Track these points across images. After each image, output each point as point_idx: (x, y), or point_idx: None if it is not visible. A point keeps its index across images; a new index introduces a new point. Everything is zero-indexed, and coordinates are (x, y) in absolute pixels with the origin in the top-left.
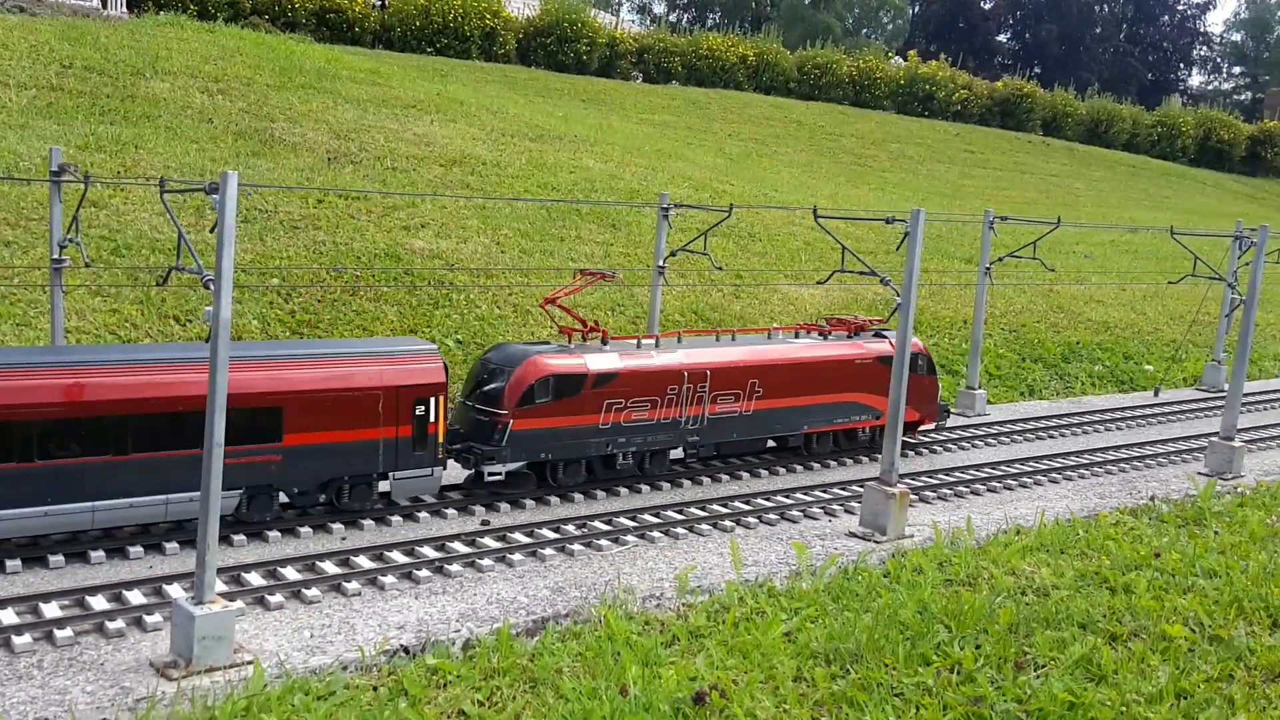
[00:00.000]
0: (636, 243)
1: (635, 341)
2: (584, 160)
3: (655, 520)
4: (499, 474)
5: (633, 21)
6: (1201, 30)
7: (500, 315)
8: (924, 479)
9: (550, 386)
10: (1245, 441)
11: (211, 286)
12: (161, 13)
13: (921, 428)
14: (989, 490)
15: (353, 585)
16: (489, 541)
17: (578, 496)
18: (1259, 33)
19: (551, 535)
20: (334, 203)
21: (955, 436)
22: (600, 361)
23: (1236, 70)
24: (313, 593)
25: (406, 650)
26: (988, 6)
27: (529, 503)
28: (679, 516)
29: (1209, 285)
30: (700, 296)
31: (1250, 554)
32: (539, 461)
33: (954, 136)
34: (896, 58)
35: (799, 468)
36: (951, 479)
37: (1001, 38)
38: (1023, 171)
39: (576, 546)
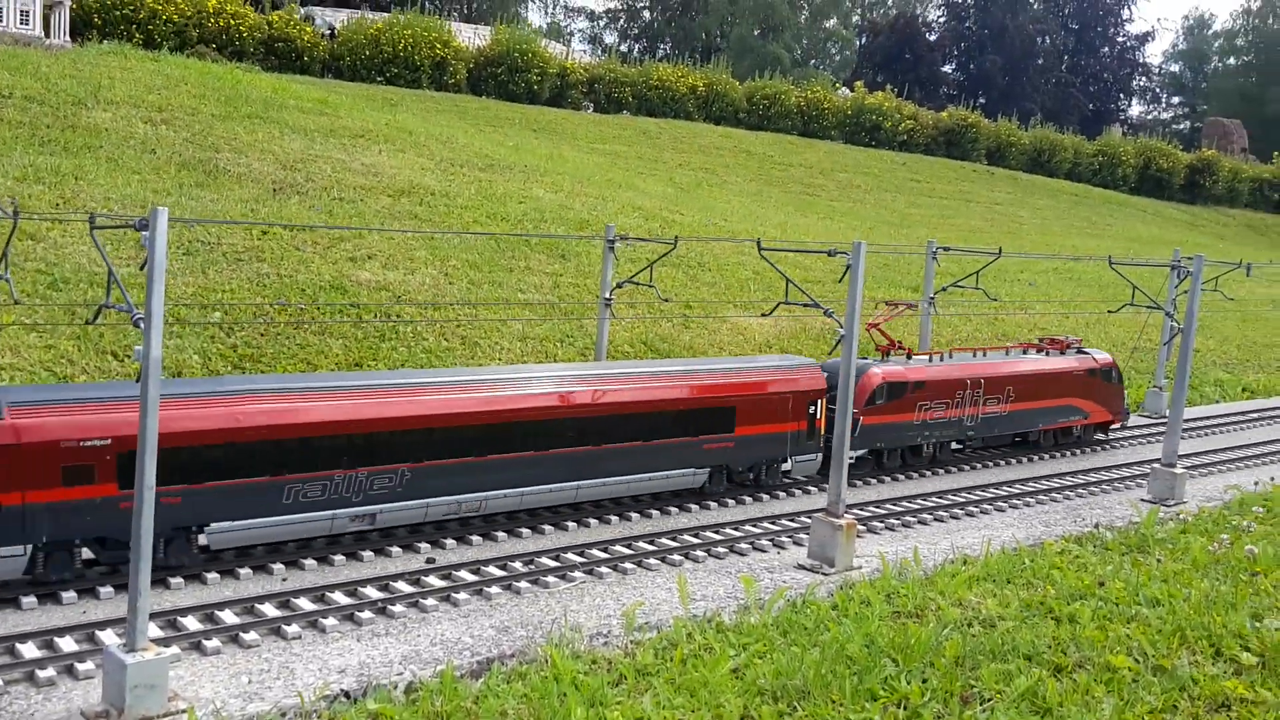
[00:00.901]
0: (586, 273)
1: (927, 357)
2: (534, 190)
3: (603, 555)
4: (852, 458)
5: (584, 52)
6: (1141, 61)
7: (448, 348)
8: (871, 509)
9: (886, 391)
10: (1187, 467)
11: (142, 325)
12: (105, 42)
13: (1112, 426)
14: (936, 520)
15: (293, 628)
16: (434, 580)
17: (525, 531)
18: (1197, 64)
19: (498, 573)
20: (279, 234)
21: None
22: (914, 373)
23: (1175, 100)
24: (251, 636)
25: (348, 695)
26: (933, 38)
27: (475, 539)
28: (627, 551)
29: (1149, 313)
30: (650, 327)
31: (1192, 582)
32: (876, 449)
33: (900, 166)
34: (844, 88)
35: (748, 499)
36: (899, 509)
37: (947, 69)
38: (968, 200)
39: (523, 584)
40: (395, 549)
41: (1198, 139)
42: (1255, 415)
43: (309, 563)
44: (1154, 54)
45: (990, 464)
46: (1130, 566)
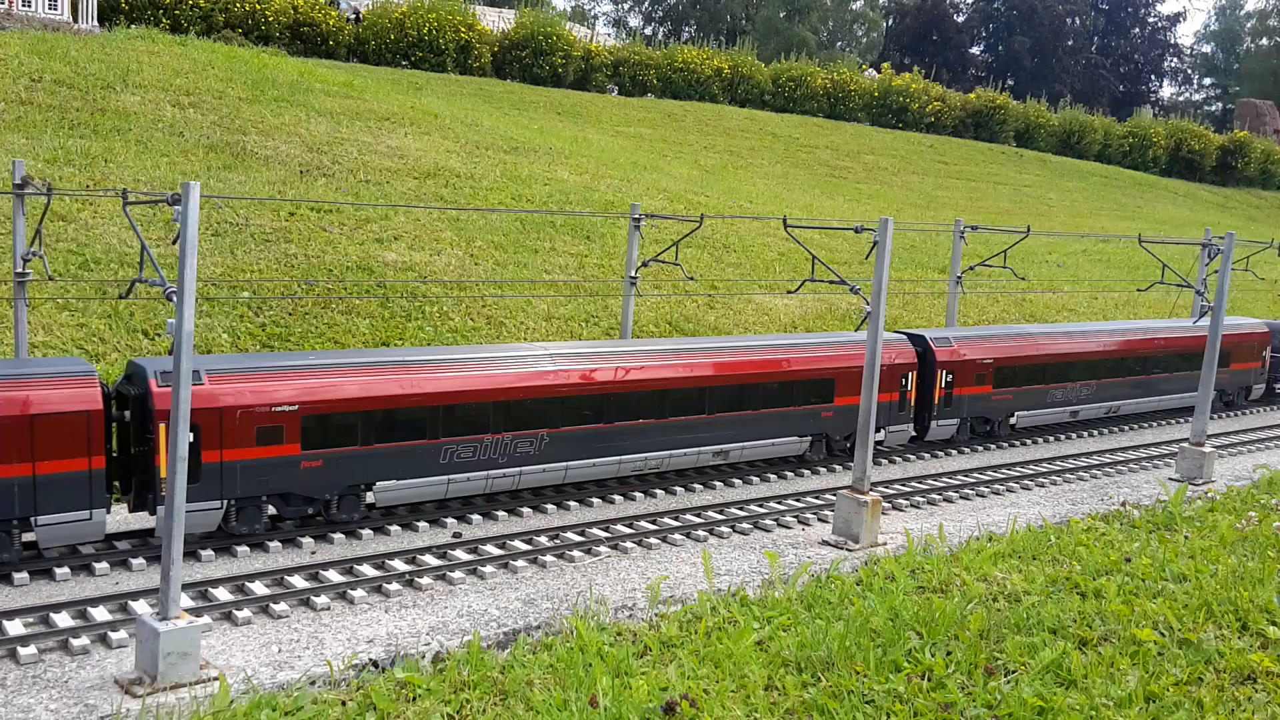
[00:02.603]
0: (611, 254)
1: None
2: (559, 172)
3: (628, 531)
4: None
5: (608, 34)
6: (1172, 42)
7: (474, 327)
8: (897, 486)
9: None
10: (1216, 447)
11: (174, 299)
12: (133, 26)
13: None
14: (961, 498)
15: (322, 599)
16: (460, 554)
17: (550, 507)
18: (1229, 44)
19: (523, 547)
20: (306, 215)
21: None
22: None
23: (1207, 81)
24: (281, 607)
25: (375, 664)
26: (961, 20)
27: (501, 514)
28: (652, 527)
29: (1179, 293)
30: (675, 307)
31: (1220, 558)
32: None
33: (928, 148)
34: (870, 70)
35: (772, 477)
36: (924, 487)
37: (975, 50)
38: (996, 182)
39: (549, 558)
40: (422, 524)
41: (1230, 120)
42: (1226, 404)
43: (338, 537)
44: (1185, 35)
45: (1018, 443)
46: (1157, 543)
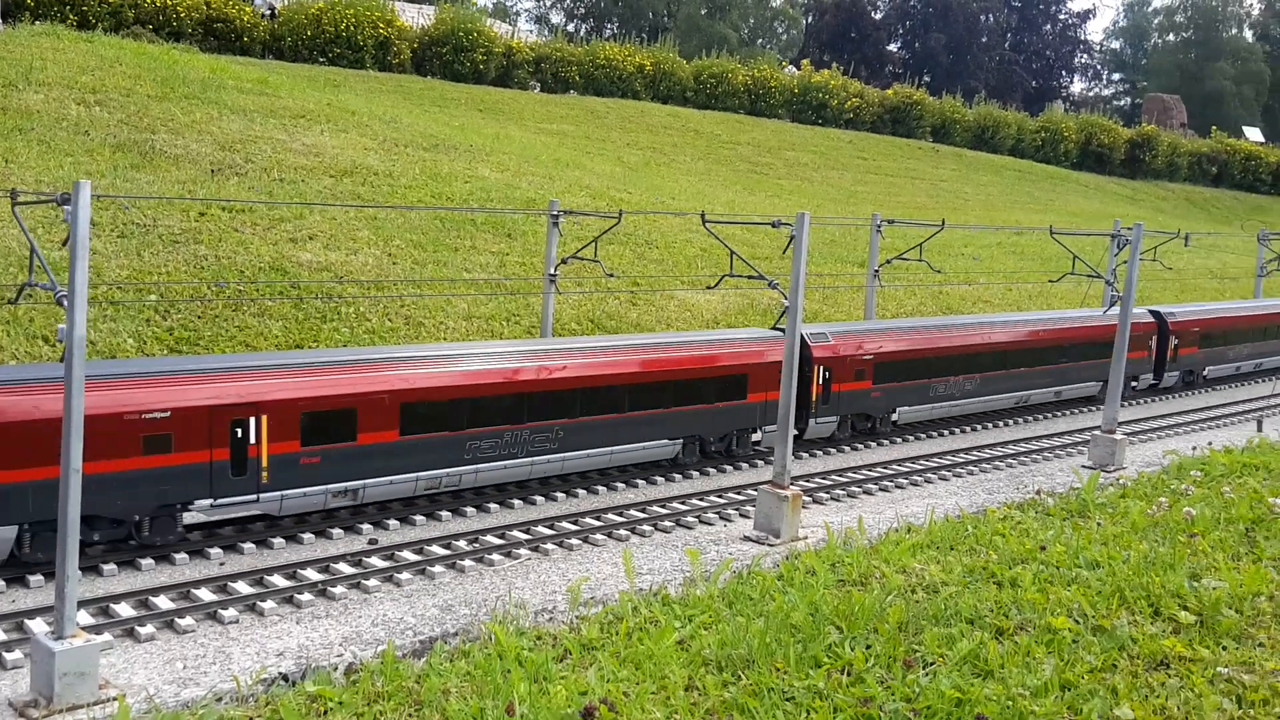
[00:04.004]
0: (533, 252)
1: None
2: (480, 170)
3: (549, 532)
4: None
5: (530, 31)
6: (1082, 39)
7: (392, 328)
8: (818, 480)
9: None
10: (1126, 434)
11: (65, 303)
12: (37, 22)
13: None
14: (881, 490)
15: (230, 612)
16: (376, 561)
17: (470, 510)
18: (1137, 40)
19: (441, 552)
20: (217, 215)
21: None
22: None
23: (1116, 77)
24: (186, 622)
25: (285, 678)
26: (878, 17)
27: (419, 519)
28: (573, 527)
29: (1089, 283)
30: (597, 304)
31: (1131, 544)
32: None
33: (847, 144)
34: (790, 67)
35: (695, 474)
36: (845, 479)
37: (892, 47)
38: (914, 177)
39: (467, 562)
40: (336, 530)
41: (1138, 115)
42: (1050, 403)
43: (248, 546)
44: (1095, 31)
45: (935, 434)
46: (1071, 531)
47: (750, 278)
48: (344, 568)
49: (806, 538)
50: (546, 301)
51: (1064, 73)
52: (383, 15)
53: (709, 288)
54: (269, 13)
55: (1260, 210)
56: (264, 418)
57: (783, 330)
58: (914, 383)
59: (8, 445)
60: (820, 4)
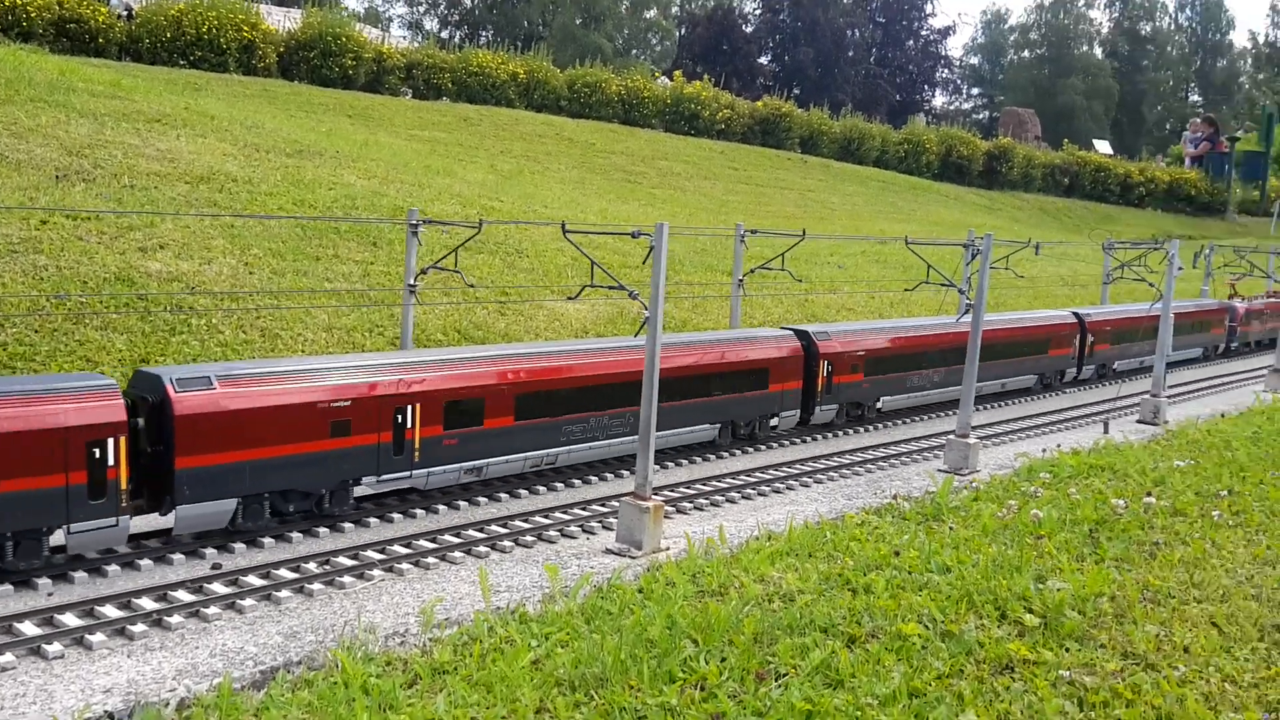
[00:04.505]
0: (398, 261)
1: None
2: (345, 177)
3: (405, 551)
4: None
5: (403, 37)
6: (943, 54)
7: (246, 340)
8: (681, 489)
9: None
10: (980, 438)
11: None
12: None
13: None
14: (744, 498)
15: (54, 647)
16: (218, 587)
17: (323, 531)
18: (994, 56)
19: (289, 575)
20: (60, 224)
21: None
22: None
23: (975, 91)
24: (6, 659)
25: (111, 716)
26: (749, 30)
27: (268, 541)
28: (431, 545)
29: (945, 291)
30: (464, 314)
31: (981, 548)
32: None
33: (719, 154)
34: (663, 78)
35: (560, 486)
36: (708, 488)
37: (763, 60)
38: (783, 187)
39: (316, 586)
40: (178, 555)
41: (995, 128)
42: (996, 394)
43: (79, 575)
44: (955, 47)
45: (798, 440)
46: (924, 536)
47: (611, 288)
48: (183, 595)
49: (669, 549)
50: (406, 313)
51: (926, 87)
52: (247, 18)
53: (570, 298)
54: (126, 14)
55: (1109, 219)
56: (417, 406)
57: (792, 330)
58: (894, 375)
59: (232, 431)
60: (693, 16)
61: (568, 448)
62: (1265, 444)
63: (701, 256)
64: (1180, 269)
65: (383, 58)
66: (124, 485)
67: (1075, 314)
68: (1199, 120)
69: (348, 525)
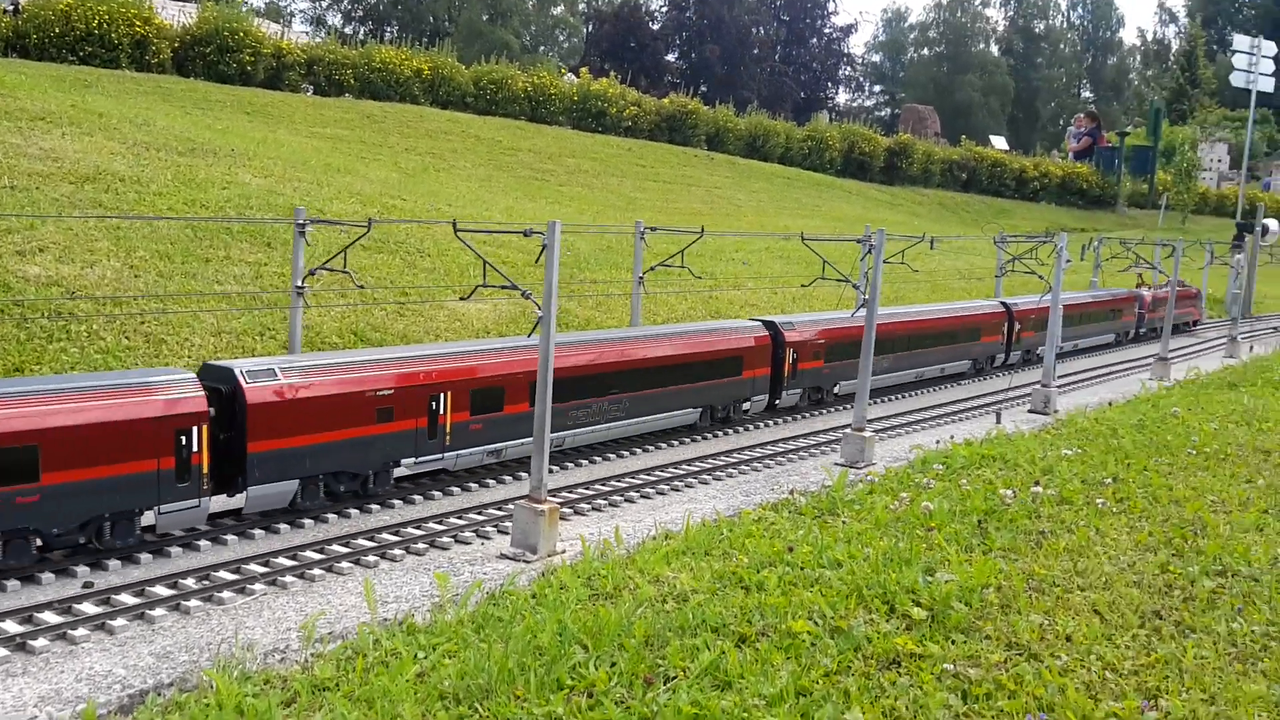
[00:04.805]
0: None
1: None
2: (240, 175)
3: (290, 563)
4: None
5: (305, 33)
6: (846, 52)
7: (130, 346)
8: (580, 490)
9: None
10: (876, 431)
11: None
12: None
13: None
14: (642, 497)
15: None
16: (87, 607)
17: (204, 544)
18: (895, 54)
19: (165, 593)
20: None
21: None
22: None
23: (877, 89)
24: None
25: None
26: (656, 28)
27: (144, 557)
28: (318, 556)
29: (844, 286)
30: (361, 316)
31: (873, 541)
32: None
33: (626, 151)
34: (570, 75)
35: (456, 490)
36: (607, 488)
37: (670, 57)
38: (690, 184)
39: (194, 602)
40: (47, 575)
41: (896, 124)
42: (937, 378)
43: None
44: (857, 45)
45: (697, 438)
46: (819, 530)
47: (503, 287)
48: (49, 616)
49: (565, 551)
50: (294, 316)
51: (830, 84)
52: (139, 12)
53: (462, 298)
54: (12, 8)
55: (1005, 214)
56: (449, 394)
57: (761, 321)
58: (849, 362)
59: (294, 418)
60: (600, 13)
61: (573, 431)
62: (1149, 431)
63: (608, 254)
64: (1069, 261)
65: (282, 53)
66: (205, 469)
67: (1003, 303)
68: (1082, 115)
69: (230, 538)
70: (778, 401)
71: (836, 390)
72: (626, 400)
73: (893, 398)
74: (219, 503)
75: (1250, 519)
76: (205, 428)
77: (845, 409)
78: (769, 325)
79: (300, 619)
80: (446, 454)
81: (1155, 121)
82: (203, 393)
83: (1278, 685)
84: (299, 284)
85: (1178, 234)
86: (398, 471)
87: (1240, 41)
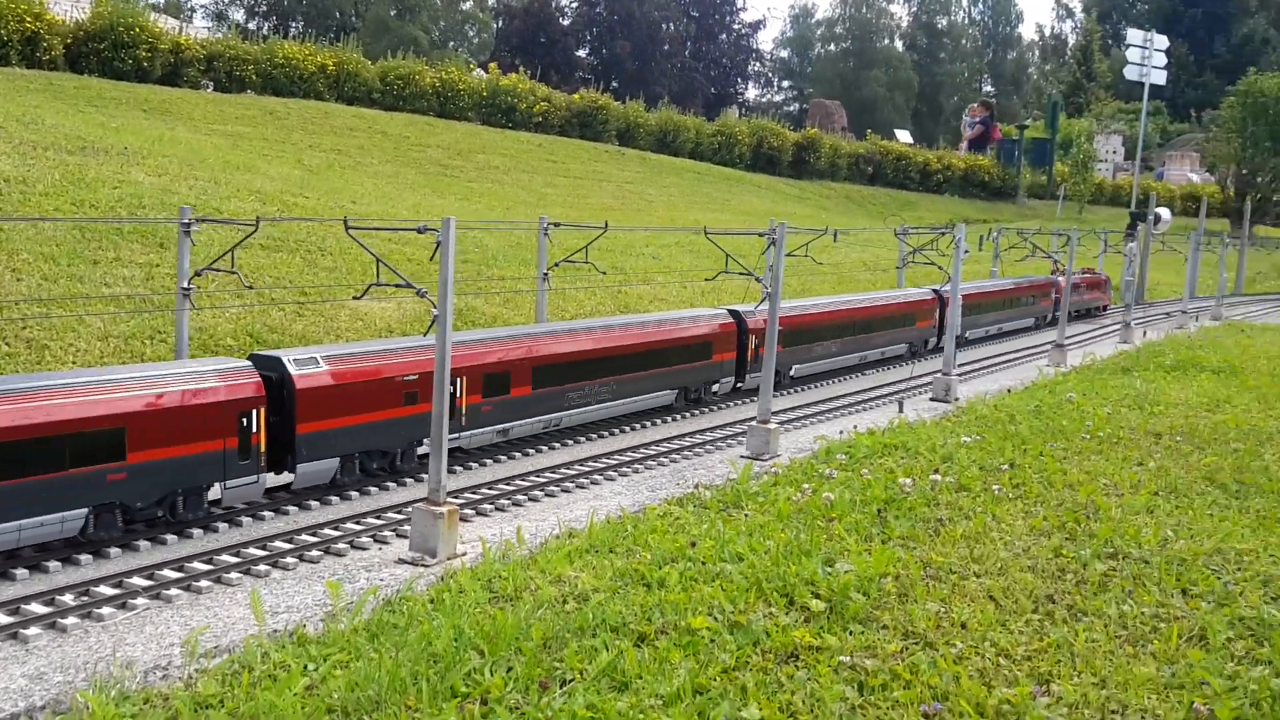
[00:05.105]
0: (195, 262)
1: None
2: (134, 174)
3: (175, 575)
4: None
5: (207, 28)
6: (754, 48)
7: (10, 353)
8: (484, 491)
9: None
10: (781, 423)
11: None
12: None
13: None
14: (547, 495)
15: None
16: None
17: (84, 558)
18: (802, 50)
19: (40, 610)
20: None
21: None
22: None
23: (785, 84)
24: None
25: None
26: (566, 23)
27: (19, 573)
28: (205, 567)
29: (750, 279)
30: (258, 317)
31: (775, 533)
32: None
33: (537, 147)
34: (479, 70)
35: (354, 494)
36: (511, 488)
37: (581, 53)
38: (601, 179)
39: (71, 619)
40: None
41: (804, 119)
42: (841, 369)
43: None
44: (766, 41)
45: (604, 434)
46: (722, 524)
47: (398, 286)
48: None
49: (465, 554)
50: (180, 318)
51: (739, 80)
52: (30, 8)
53: (356, 298)
54: None
55: (910, 206)
56: (463, 379)
57: (727, 309)
58: (803, 347)
59: (336, 402)
60: (510, 9)
61: (570, 411)
62: (1045, 416)
63: (517, 250)
64: (967, 251)
65: (181, 49)
66: (263, 448)
67: (934, 290)
68: (976, 105)
69: (114, 550)
70: (741, 385)
71: (792, 373)
72: (614, 383)
73: (800, 389)
74: (270, 480)
75: (1141, 501)
76: (263, 411)
77: (798, 390)
78: (734, 314)
79: (183, 633)
80: (463, 434)
81: (1053, 114)
82: (259, 379)
83: (1167, 667)
84: (185, 286)
85: (1075, 224)
86: (420, 450)
87: (1134, 36)
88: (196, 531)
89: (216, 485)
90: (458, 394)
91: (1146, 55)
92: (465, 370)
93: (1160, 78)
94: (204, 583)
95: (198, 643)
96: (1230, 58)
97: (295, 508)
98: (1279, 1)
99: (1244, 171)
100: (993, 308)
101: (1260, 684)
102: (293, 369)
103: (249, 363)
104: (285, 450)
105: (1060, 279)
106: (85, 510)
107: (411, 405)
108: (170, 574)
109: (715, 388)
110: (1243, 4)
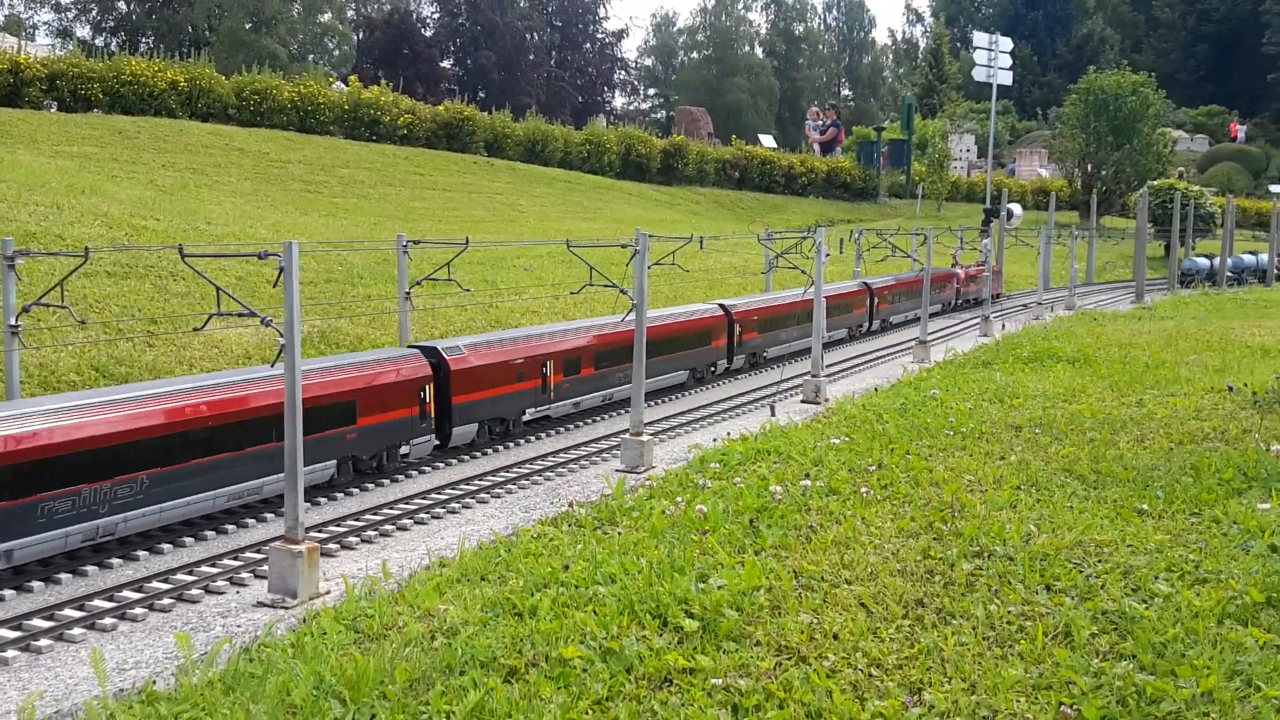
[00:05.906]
0: (28, 296)
1: None
2: None
3: (11, 634)
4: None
5: (50, 45)
6: (619, 56)
7: None
8: (349, 523)
9: None
10: (654, 434)
11: None
12: None
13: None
14: (417, 523)
15: None
16: None
17: None
18: (666, 58)
19: None
20: None
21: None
22: None
23: (651, 92)
24: None
25: None
26: (430, 34)
27: None
28: (45, 624)
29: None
30: (105, 350)
31: (648, 550)
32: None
33: (403, 160)
34: (339, 83)
35: (210, 534)
36: (378, 517)
37: (446, 64)
38: (470, 191)
39: None
40: None
41: (671, 126)
42: (719, 375)
43: None
44: (630, 49)
45: (473, 455)
46: (596, 544)
47: (240, 315)
48: None
49: (328, 593)
50: (9, 359)
51: (606, 88)
52: None
53: (196, 329)
54: None
55: (778, 209)
56: (551, 361)
57: (718, 304)
58: (773, 333)
59: (476, 380)
60: (370, 21)
61: (620, 387)
62: (911, 414)
63: (383, 267)
64: (828, 254)
65: (20, 68)
66: (433, 415)
67: (864, 283)
68: (815, 108)
69: None
70: (730, 366)
71: (768, 354)
72: (650, 365)
73: (671, 398)
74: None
75: (1004, 497)
76: (431, 387)
77: (774, 368)
78: (722, 306)
79: (21, 699)
80: (551, 405)
81: (908, 116)
82: (428, 362)
83: (1034, 667)
84: (12, 323)
85: (934, 221)
86: (525, 417)
87: (980, 39)
88: (37, 584)
89: (405, 445)
90: (548, 373)
91: (993, 57)
92: (553, 355)
93: (1007, 78)
94: (43, 641)
95: (34, 709)
96: (1071, 57)
97: (146, 552)
98: (1114, 2)
99: (1089, 166)
100: (907, 296)
101: (1125, 680)
102: (447, 355)
103: (418, 350)
104: (443, 419)
105: (960, 270)
106: (334, 461)
107: (519, 382)
108: (6, 633)
109: (714, 369)
110: (1081, 5)
